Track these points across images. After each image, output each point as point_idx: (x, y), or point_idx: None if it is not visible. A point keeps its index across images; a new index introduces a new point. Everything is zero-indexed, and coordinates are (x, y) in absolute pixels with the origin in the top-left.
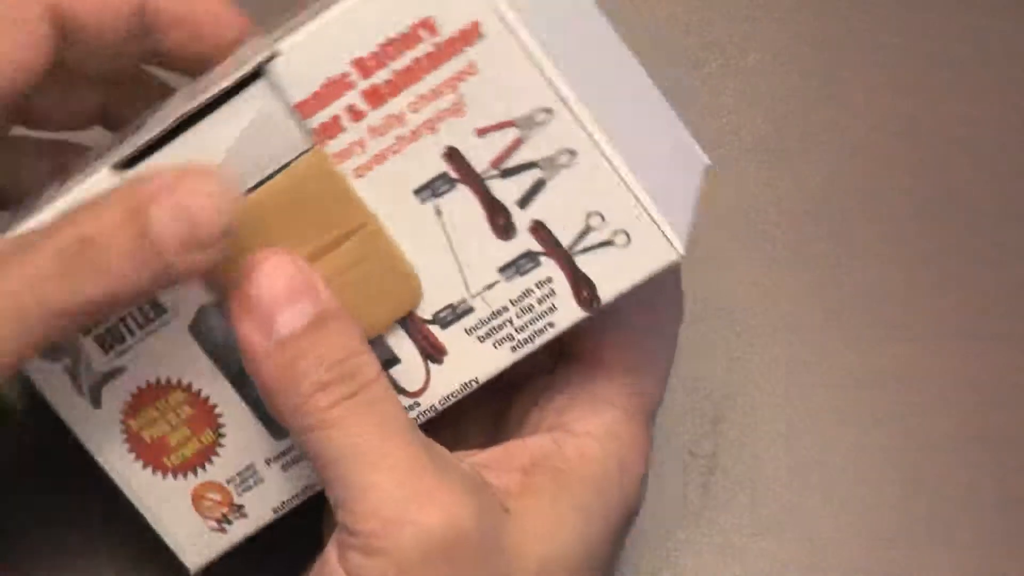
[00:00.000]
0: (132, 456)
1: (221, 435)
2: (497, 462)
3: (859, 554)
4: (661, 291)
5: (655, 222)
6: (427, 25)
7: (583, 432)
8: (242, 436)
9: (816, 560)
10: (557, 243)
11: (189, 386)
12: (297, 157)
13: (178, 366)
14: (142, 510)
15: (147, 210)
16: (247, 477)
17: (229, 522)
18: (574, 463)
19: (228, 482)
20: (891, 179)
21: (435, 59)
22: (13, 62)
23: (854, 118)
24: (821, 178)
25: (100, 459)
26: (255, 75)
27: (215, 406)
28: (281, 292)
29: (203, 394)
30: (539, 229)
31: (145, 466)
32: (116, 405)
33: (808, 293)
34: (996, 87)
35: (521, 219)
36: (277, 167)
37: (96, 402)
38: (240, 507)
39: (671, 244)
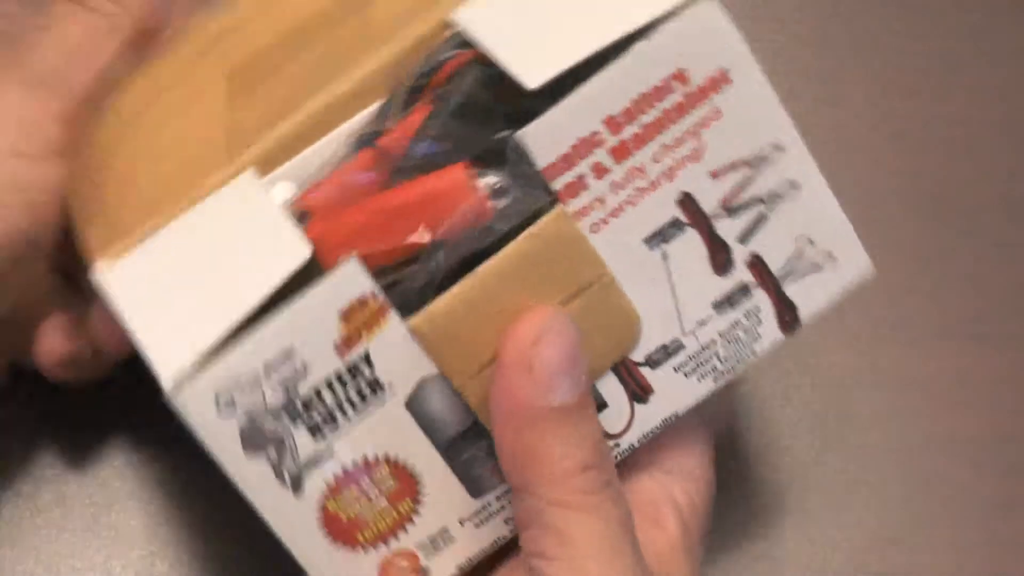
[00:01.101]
0: (324, 537)
1: (419, 503)
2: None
3: (859, 554)
4: None
5: (857, 241)
6: (680, 77)
7: (683, 472)
8: (441, 500)
9: (816, 560)
10: (770, 273)
11: (396, 459)
12: (539, 215)
13: (388, 442)
14: None
15: None
16: (439, 540)
17: None
18: (688, 511)
19: (419, 548)
20: (891, 179)
21: (683, 109)
22: None
23: (854, 118)
24: None
25: (288, 543)
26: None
27: (419, 476)
28: (564, 360)
29: (408, 465)
30: (756, 263)
31: (336, 544)
32: (318, 489)
33: None
34: (996, 87)
35: (739, 254)
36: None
37: (297, 489)
38: (427, 570)
39: (867, 260)
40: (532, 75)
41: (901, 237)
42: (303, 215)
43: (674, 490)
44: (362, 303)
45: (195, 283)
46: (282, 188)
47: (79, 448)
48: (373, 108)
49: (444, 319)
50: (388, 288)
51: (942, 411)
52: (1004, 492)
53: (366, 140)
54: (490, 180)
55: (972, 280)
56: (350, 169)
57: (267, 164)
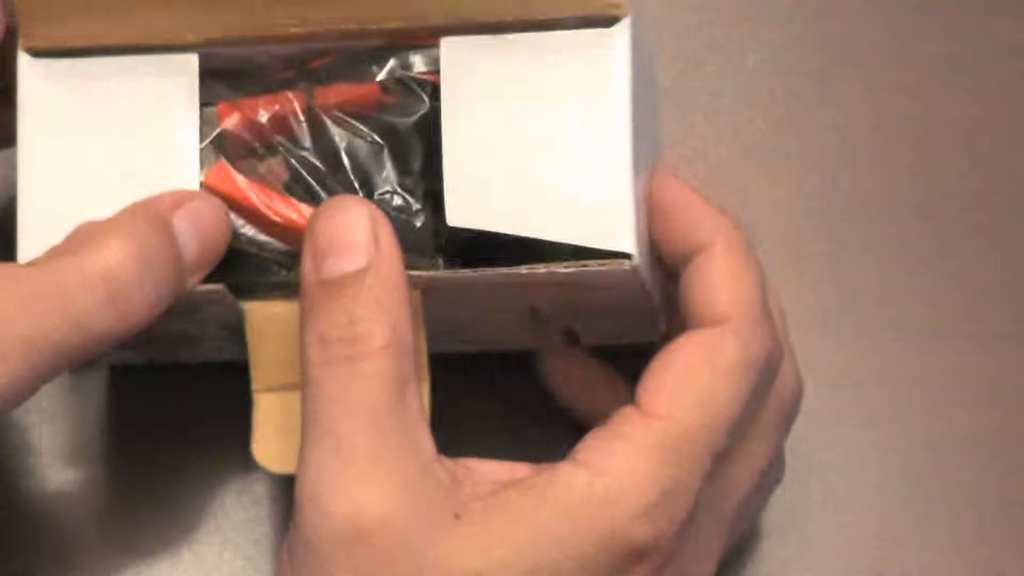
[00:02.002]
0: None
1: None
2: (492, 470)
3: (859, 554)
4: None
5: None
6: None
7: (582, 461)
8: None
9: (816, 560)
10: None
11: (186, 333)
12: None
13: (186, 328)
14: None
15: (171, 228)
16: None
17: None
18: (550, 488)
19: None
20: (891, 179)
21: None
22: None
23: (854, 118)
24: (821, 178)
25: None
26: None
27: (203, 336)
28: (339, 238)
29: (198, 336)
30: None
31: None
32: None
33: (808, 293)
34: (996, 87)
35: None
36: None
37: None
38: None
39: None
40: (457, 214)
41: (901, 237)
42: (219, 139)
43: (557, 471)
44: (208, 294)
45: (91, 158)
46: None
47: (79, 448)
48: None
49: (273, 314)
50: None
51: (942, 411)
52: (1004, 492)
53: (299, 78)
54: None
55: (972, 280)
56: (268, 103)
57: (223, 37)
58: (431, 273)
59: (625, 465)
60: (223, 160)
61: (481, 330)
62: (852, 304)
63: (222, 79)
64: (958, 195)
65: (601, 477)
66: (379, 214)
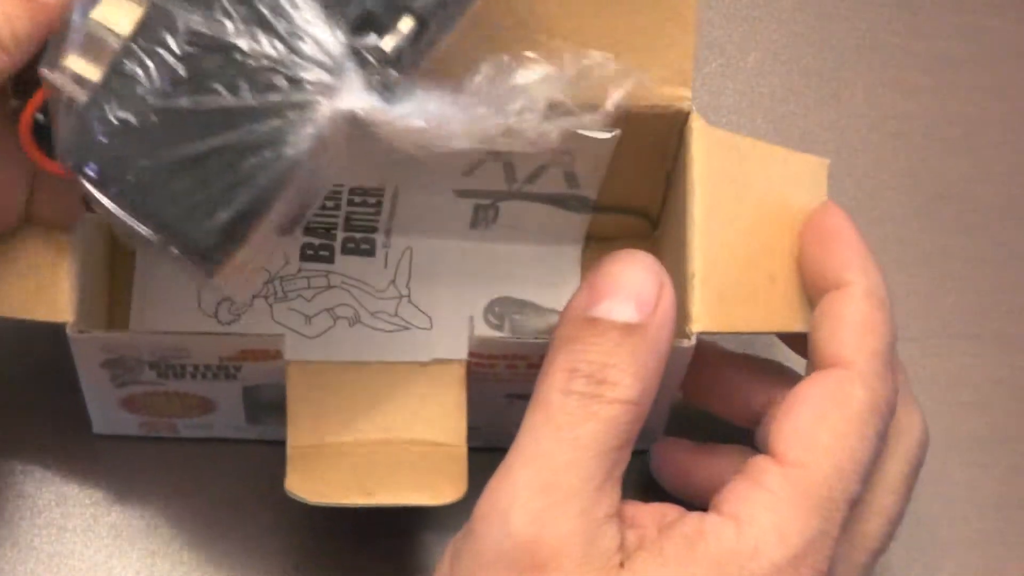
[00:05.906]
0: (118, 405)
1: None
2: (646, 515)
3: None
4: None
5: None
6: None
7: (728, 513)
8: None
9: None
10: None
11: (205, 397)
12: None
13: (213, 394)
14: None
15: None
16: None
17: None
18: (700, 539)
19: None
20: (891, 179)
21: None
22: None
23: (854, 118)
24: None
25: (84, 389)
26: None
27: (217, 404)
28: (623, 286)
29: (214, 401)
30: None
31: (121, 408)
32: (133, 391)
33: None
34: (996, 87)
35: None
36: None
37: (120, 386)
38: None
39: None
40: None
41: (901, 237)
42: None
43: (705, 523)
44: (263, 351)
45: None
46: None
47: (79, 448)
48: None
49: (315, 374)
50: None
51: (942, 411)
52: (1004, 492)
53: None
54: None
55: (972, 280)
56: None
57: None
58: (487, 336)
59: (769, 517)
60: None
61: (499, 424)
62: None
63: None
64: (958, 195)
65: (748, 528)
66: (668, 279)
